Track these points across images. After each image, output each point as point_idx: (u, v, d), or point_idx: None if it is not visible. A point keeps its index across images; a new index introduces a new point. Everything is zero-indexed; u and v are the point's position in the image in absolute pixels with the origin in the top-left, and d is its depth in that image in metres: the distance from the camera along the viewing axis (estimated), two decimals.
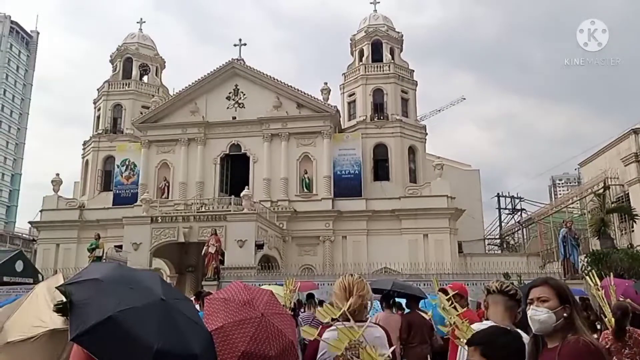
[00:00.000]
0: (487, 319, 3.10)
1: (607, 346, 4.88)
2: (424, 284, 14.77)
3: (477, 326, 2.96)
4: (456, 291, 4.98)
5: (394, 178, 32.99)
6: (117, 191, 34.83)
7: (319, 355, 3.24)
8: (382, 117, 34.29)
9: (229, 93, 34.53)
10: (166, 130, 34.45)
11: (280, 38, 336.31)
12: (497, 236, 47.89)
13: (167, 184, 33.86)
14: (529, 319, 2.59)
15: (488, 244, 45.96)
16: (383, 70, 35.39)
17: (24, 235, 50.99)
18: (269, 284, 11.70)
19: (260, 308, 3.36)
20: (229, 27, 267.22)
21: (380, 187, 32.56)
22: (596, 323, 10.83)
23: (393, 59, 35.96)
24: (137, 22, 41.25)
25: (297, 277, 15.75)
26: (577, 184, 70.61)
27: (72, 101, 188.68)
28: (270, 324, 3.31)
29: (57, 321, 3.15)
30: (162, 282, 2.59)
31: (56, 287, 2.96)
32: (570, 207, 34.48)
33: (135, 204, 32.01)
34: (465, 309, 4.86)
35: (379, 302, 8.99)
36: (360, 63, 36.11)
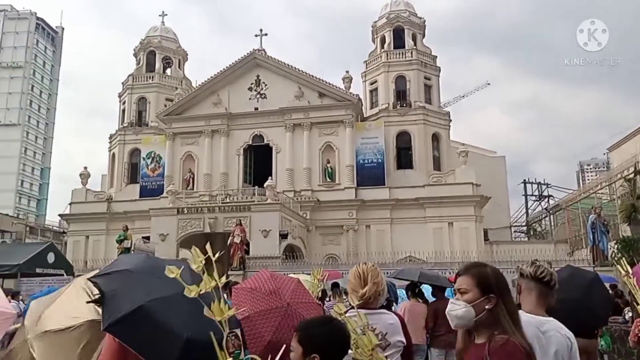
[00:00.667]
0: (518, 304, 3.01)
1: (638, 334, 4.78)
2: (450, 273, 14.69)
3: None
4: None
5: (417, 166, 32.74)
6: (144, 183, 35.39)
7: None
8: (404, 105, 33.98)
9: (251, 84, 34.65)
10: (190, 122, 34.78)
11: (300, 27, 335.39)
12: (524, 223, 47.22)
13: (192, 176, 34.26)
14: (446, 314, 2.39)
15: (514, 232, 45.38)
16: (405, 57, 35.01)
17: (54, 228, 52.26)
18: (295, 273, 11.76)
19: (286, 297, 3.38)
20: (249, 17, 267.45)
21: (403, 176, 32.36)
22: (626, 310, 10.66)
23: (415, 45, 35.54)
24: (160, 15, 41.65)
25: (321, 266, 15.80)
26: (606, 169, 69.03)
27: (98, 95, 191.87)
28: (296, 313, 3.33)
29: (94, 313, 3.23)
30: (191, 272, 2.63)
31: (88, 279, 3.04)
32: (599, 193, 33.70)
33: (161, 195, 32.47)
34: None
35: (404, 291, 8.97)
36: (382, 50, 35.78)
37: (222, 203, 28.02)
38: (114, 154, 38.09)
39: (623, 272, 4.63)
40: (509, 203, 44.79)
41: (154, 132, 36.84)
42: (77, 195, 35.81)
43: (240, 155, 33.90)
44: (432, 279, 8.62)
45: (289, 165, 32.58)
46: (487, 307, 2.26)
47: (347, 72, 34.06)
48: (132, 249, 21.87)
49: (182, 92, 36.37)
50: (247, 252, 22.67)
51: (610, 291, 8.70)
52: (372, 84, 35.90)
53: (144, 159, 35.85)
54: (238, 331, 2.70)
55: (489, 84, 61.69)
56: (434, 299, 8.07)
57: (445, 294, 8.34)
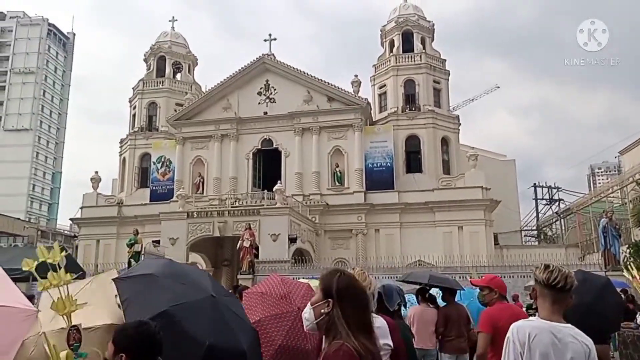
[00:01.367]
0: (534, 308, 2.97)
1: None
2: (460, 277, 14.61)
3: (522, 323, 2.83)
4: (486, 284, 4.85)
5: (426, 170, 32.65)
6: (154, 187, 35.59)
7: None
8: (413, 108, 33.94)
9: (260, 88, 34.77)
10: (200, 126, 34.96)
11: (308, 31, 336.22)
12: (534, 227, 46.87)
13: (201, 180, 34.40)
14: None
15: (525, 236, 45.04)
16: (414, 61, 34.98)
17: (65, 232, 52.67)
18: (304, 278, 11.76)
19: (296, 302, 3.40)
20: (257, 21, 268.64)
21: (412, 179, 32.27)
22: (638, 315, 10.55)
23: (424, 48, 35.50)
24: (170, 21, 42.01)
25: None
26: (617, 172, 68.46)
27: (109, 99, 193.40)
28: None
29: (113, 317, 3.26)
30: (211, 279, 2.67)
31: (112, 279, 3.06)
32: (610, 197, 33.39)
33: (171, 199, 32.65)
34: (496, 302, 4.72)
35: (414, 296, 8.93)
36: (391, 54, 35.77)
37: (231, 207, 28.09)
38: (124, 158, 38.36)
39: (631, 277, 4.60)
40: (519, 207, 44.49)
41: (164, 136, 37.08)
42: (88, 199, 36.08)
43: (250, 160, 33.99)
44: (442, 281, 8.55)
45: (298, 169, 32.62)
46: (322, 310, 2.27)
47: (356, 76, 34.07)
48: (142, 252, 21.98)
49: (192, 97, 36.57)
50: (256, 256, 22.72)
51: (622, 296, 8.62)
52: (381, 87, 35.89)
53: (154, 163, 36.07)
54: (80, 326, 2.77)
55: (498, 87, 61.61)
56: (444, 304, 8.03)
57: (456, 299, 8.30)
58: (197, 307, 2.67)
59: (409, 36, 36.03)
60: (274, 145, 33.74)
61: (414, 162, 33.25)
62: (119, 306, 2.97)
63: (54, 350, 2.68)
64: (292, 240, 24.94)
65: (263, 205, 27.33)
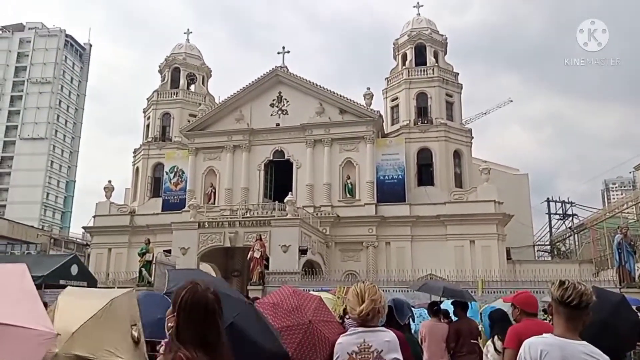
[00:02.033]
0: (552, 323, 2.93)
1: None
2: (472, 292, 14.47)
3: (535, 340, 2.80)
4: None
5: (438, 183, 32.53)
6: (166, 197, 35.81)
7: (334, 358, 3.24)
8: (426, 121, 33.92)
9: (273, 100, 34.99)
10: (212, 137, 35.21)
11: (321, 43, 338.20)
12: (548, 242, 46.35)
13: (213, 190, 34.58)
14: None
15: (538, 251, 44.53)
16: (427, 74, 35.04)
17: (77, 240, 52.97)
18: (314, 290, 11.74)
19: (308, 314, 3.40)
20: (270, 33, 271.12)
21: (424, 192, 32.15)
22: None
23: (437, 62, 35.58)
24: (185, 33, 42.48)
25: (340, 283, 15.74)
26: (632, 187, 67.62)
27: (123, 110, 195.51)
28: (317, 330, 3.34)
29: (133, 353, 3.17)
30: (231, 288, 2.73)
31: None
32: (625, 212, 32.98)
33: (183, 209, 32.80)
34: (523, 319, 4.69)
35: (425, 310, 8.87)
36: (404, 67, 35.88)
37: (242, 218, 28.16)
38: (137, 168, 38.69)
39: None
40: (532, 222, 44.10)
41: (177, 147, 37.37)
42: (101, 208, 36.36)
43: (261, 171, 34.12)
44: (456, 294, 8.49)
45: (309, 180, 32.67)
46: (169, 324, 2.30)
47: (368, 88, 34.18)
48: (154, 262, 22.07)
49: (205, 108, 36.88)
50: (267, 267, 22.70)
51: (637, 314, 8.48)
52: (393, 100, 35.95)
53: (166, 173, 36.33)
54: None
55: (511, 100, 61.18)
56: (456, 319, 7.97)
57: (468, 314, 8.23)
58: (249, 316, 2.73)
59: (421, 49, 36.13)
60: (286, 157, 33.85)
61: (425, 175, 33.16)
62: (133, 340, 2.94)
63: None
64: (303, 251, 24.92)
65: (274, 216, 27.38)
